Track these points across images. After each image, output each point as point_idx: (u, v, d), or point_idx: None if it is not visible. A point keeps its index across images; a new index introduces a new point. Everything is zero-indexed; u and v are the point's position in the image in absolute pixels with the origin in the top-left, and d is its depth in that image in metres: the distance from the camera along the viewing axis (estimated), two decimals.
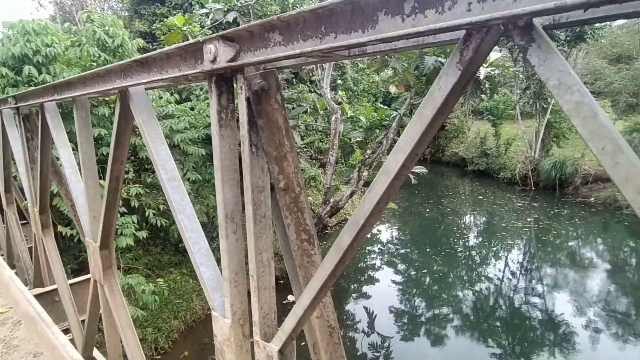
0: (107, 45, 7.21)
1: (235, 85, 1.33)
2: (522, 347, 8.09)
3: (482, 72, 8.48)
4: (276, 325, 1.48)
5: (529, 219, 15.76)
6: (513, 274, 11.72)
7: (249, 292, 1.54)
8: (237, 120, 1.39)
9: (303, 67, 10.55)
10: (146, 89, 2.00)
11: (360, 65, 23.03)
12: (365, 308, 9.41)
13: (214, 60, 1.27)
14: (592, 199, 16.99)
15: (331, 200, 8.99)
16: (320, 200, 10.02)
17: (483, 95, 20.61)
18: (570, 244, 14.06)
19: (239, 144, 1.40)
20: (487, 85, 8.05)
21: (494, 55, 8.27)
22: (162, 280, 7.73)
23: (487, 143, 23.04)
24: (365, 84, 25.62)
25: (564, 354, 7.73)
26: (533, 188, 19.30)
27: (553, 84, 0.70)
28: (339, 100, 13.14)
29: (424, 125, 0.87)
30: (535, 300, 10.08)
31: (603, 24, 18.70)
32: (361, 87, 25.15)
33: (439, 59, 7.66)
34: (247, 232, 1.40)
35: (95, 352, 3.63)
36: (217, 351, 1.67)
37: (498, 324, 9.14)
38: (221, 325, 1.60)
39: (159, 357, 7.50)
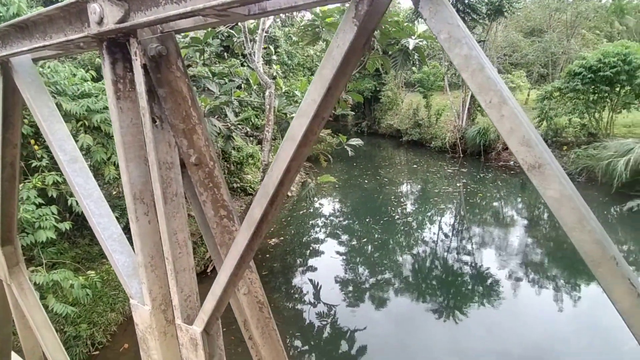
0: (0, 14, 6.28)
1: (129, 51, 1.19)
2: (456, 300, 8.81)
3: (411, 43, 8.69)
4: (199, 306, 1.42)
5: (458, 184, 16.95)
6: (446, 235, 12.59)
7: None
8: None
9: (234, 40, 10.06)
10: (34, 59, 1.74)
11: (294, 38, 22.57)
12: (311, 280, 9.61)
13: (100, 22, 1.12)
14: (512, 162, 18.65)
15: None
16: (259, 177, 9.86)
17: (414, 68, 21.25)
18: (494, 204, 15.40)
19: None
20: (415, 57, 8.29)
21: (422, 27, 8.49)
22: (94, 272, 7.20)
23: (419, 114, 24.09)
24: (300, 58, 25.27)
25: (491, 302, 8.57)
26: (461, 155, 20.68)
27: (444, 37, 0.69)
28: (274, 74, 12.80)
29: (325, 86, 0.83)
30: (466, 257, 10.97)
31: None
32: (296, 61, 24.74)
33: None
34: (158, 212, 1.30)
35: (15, 357, 3.32)
36: (140, 340, 1.57)
37: (434, 282, 9.85)
38: (141, 313, 1.50)
39: (96, 352, 7.10)
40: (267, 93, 8.95)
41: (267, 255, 10.61)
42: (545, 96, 17.28)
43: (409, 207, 15.01)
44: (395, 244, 11.87)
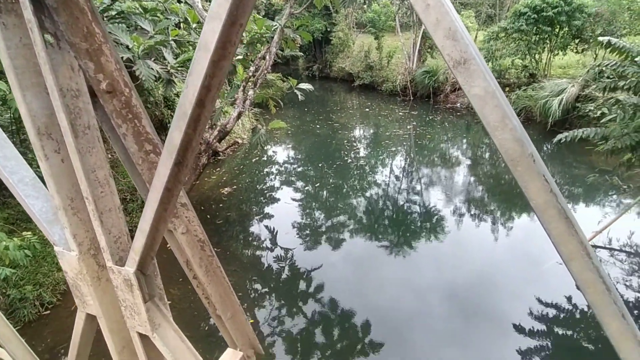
0: None
1: None
2: (406, 237, 9.36)
3: None
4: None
5: (408, 127, 17.36)
6: (397, 177, 13.07)
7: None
8: None
9: None
10: None
11: None
12: (267, 227, 9.72)
13: None
14: (458, 104, 19.26)
15: (218, 123, 8.50)
16: (207, 125, 9.39)
17: (365, 7, 20.52)
18: (441, 145, 16.04)
19: None
20: None
21: None
22: (31, 232, 6.75)
23: (370, 56, 23.77)
24: None
25: (437, 237, 9.20)
26: (412, 98, 20.99)
27: None
28: None
29: None
30: (415, 197, 11.54)
31: None
32: None
33: None
34: (69, 148, 1.15)
35: None
36: (71, 287, 1.48)
37: (386, 221, 10.33)
38: (69, 260, 1.39)
39: (47, 312, 6.89)
40: None
41: (221, 205, 10.50)
42: (492, 37, 17.59)
43: (362, 151, 15.26)
44: (349, 187, 12.16)
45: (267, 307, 7.11)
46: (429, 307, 6.90)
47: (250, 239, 9.32)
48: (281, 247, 8.87)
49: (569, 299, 6.83)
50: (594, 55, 16.47)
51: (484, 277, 7.65)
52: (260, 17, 9.88)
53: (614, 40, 6.58)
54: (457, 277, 7.64)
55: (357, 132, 18.04)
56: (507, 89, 17.54)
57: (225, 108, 9.98)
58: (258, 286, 7.73)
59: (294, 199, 11.24)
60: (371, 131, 18.18)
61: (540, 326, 6.35)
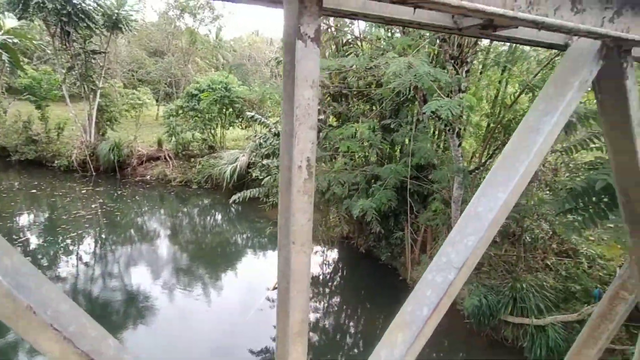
0: None
1: None
2: (111, 330, 8.02)
3: None
4: None
5: (93, 205, 15.45)
6: (87, 264, 11.25)
7: None
8: None
9: None
10: None
11: None
12: None
13: None
14: (148, 176, 19.08)
15: None
16: None
17: (21, 73, 17.28)
18: (136, 220, 15.23)
19: None
20: (5, 57, 6.64)
21: (11, 22, 6.80)
22: None
23: (33, 128, 20.00)
24: None
25: (147, 319, 8.46)
26: (94, 173, 19.04)
27: None
28: None
29: None
30: (114, 282, 10.26)
31: (134, 17, 20.47)
32: None
33: None
34: None
35: None
36: None
37: None
38: None
39: None
40: None
41: None
42: (171, 113, 18.80)
43: (34, 242, 12.25)
44: None
45: None
46: None
47: None
48: None
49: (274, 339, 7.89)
50: (255, 131, 20.68)
51: (206, 342, 7.67)
52: None
53: (257, 116, 8.65)
54: (181, 350, 7.25)
55: (23, 220, 14.40)
56: (192, 159, 19.03)
57: None
58: None
59: None
60: (45, 216, 14.98)
61: None
